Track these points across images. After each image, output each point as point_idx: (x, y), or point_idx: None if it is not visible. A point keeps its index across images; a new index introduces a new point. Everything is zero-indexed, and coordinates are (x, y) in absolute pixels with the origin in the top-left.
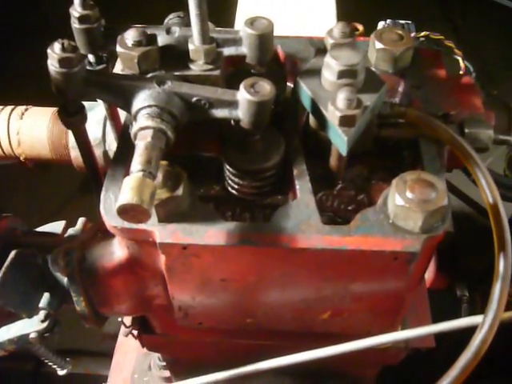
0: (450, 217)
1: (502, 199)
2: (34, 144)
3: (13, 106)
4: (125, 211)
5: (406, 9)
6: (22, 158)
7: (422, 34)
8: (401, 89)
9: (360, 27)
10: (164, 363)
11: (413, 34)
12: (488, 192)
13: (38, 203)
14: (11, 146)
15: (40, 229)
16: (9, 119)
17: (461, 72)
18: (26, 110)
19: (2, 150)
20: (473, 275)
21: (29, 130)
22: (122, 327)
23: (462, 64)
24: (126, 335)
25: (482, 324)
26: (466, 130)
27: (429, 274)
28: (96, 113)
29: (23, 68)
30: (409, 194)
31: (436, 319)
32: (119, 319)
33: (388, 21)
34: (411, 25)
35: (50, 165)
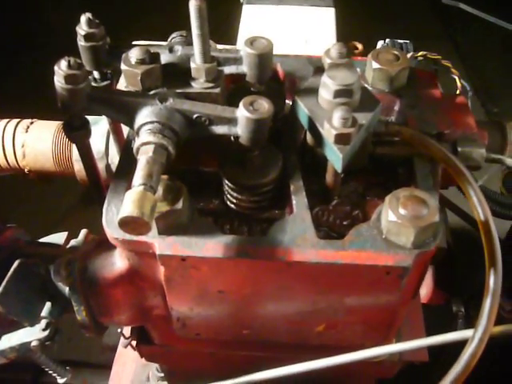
0: (443, 233)
1: (498, 216)
2: (38, 157)
3: (18, 120)
4: (126, 224)
5: (407, 26)
6: (26, 170)
7: (420, 53)
8: (397, 107)
9: (359, 46)
10: (162, 374)
11: (411, 54)
12: (479, 209)
13: (40, 214)
14: (16, 158)
15: (43, 240)
16: (14, 132)
17: (457, 91)
18: (32, 123)
19: (8, 162)
20: (468, 291)
21: (33, 142)
22: (122, 338)
23: (458, 83)
24: (125, 346)
25: (472, 338)
26: (459, 149)
27: (427, 290)
28: (100, 127)
29: (30, 82)
30: (401, 211)
31: (433, 334)
32: (118, 330)
33: (387, 40)
34: (409, 44)
35: (52, 177)
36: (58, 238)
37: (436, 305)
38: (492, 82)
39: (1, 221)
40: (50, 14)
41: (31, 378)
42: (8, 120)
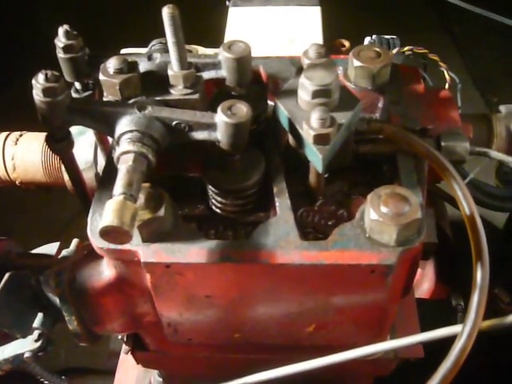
0: (433, 228)
1: (489, 208)
2: (28, 168)
3: (8, 133)
4: (107, 233)
5: (402, 20)
6: (17, 183)
7: (406, 48)
8: (380, 105)
9: (346, 43)
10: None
11: (396, 49)
12: (464, 203)
13: (42, 225)
14: (7, 171)
15: (35, 250)
16: (4, 145)
17: (447, 84)
18: (21, 135)
19: None
20: (468, 284)
21: (23, 155)
22: (123, 345)
23: (447, 76)
24: (127, 352)
25: (461, 334)
26: (443, 144)
27: (429, 284)
28: (87, 136)
29: (20, 95)
30: (383, 209)
31: (433, 329)
32: (119, 337)
33: (374, 36)
34: (396, 40)
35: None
36: (51, 248)
37: (438, 299)
38: (491, 71)
39: None
40: (38, 23)
41: None
42: None
